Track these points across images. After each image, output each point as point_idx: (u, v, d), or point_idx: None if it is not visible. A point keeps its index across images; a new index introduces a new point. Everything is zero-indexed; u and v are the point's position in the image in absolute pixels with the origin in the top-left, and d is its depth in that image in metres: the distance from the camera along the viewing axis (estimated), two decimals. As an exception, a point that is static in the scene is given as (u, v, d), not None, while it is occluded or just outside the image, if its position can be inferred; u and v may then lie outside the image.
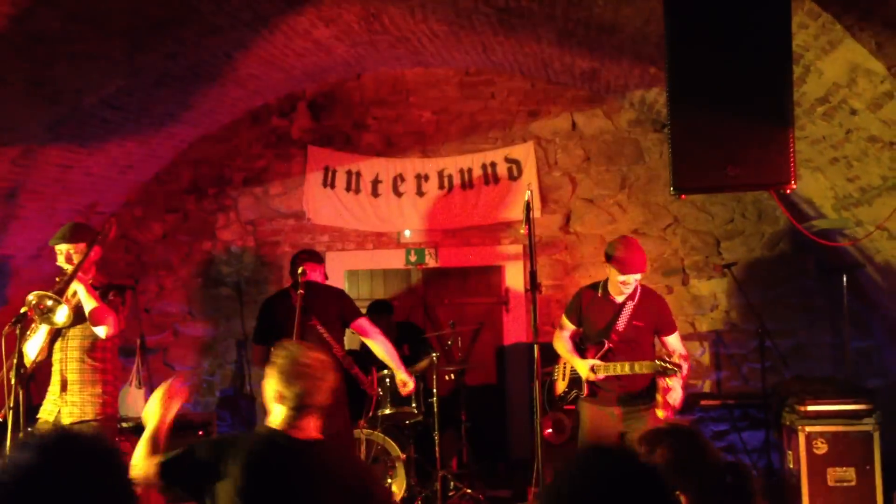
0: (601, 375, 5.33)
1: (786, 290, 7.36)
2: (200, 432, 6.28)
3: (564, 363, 5.77)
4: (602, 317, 5.46)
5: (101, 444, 1.78)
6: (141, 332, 7.48)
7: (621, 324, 5.36)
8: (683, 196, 3.91)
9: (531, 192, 4.77)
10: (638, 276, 5.26)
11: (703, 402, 7.32)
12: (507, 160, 7.69)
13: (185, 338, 8.12)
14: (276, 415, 3.08)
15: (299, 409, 3.05)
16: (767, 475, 6.77)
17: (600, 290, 5.51)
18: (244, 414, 7.95)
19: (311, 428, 3.08)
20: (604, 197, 7.66)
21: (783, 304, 7.34)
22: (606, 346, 5.38)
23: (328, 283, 6.10)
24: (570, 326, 5.65)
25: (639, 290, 5.42)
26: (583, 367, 5.37)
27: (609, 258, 5.27)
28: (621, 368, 5.26)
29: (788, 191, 3.77)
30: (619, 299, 5.37)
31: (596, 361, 5.32)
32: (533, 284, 4.51)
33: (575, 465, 1.82)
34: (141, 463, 3.03)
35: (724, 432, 7.36)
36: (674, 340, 5.50)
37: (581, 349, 5.57)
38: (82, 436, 1.77)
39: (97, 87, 5.97)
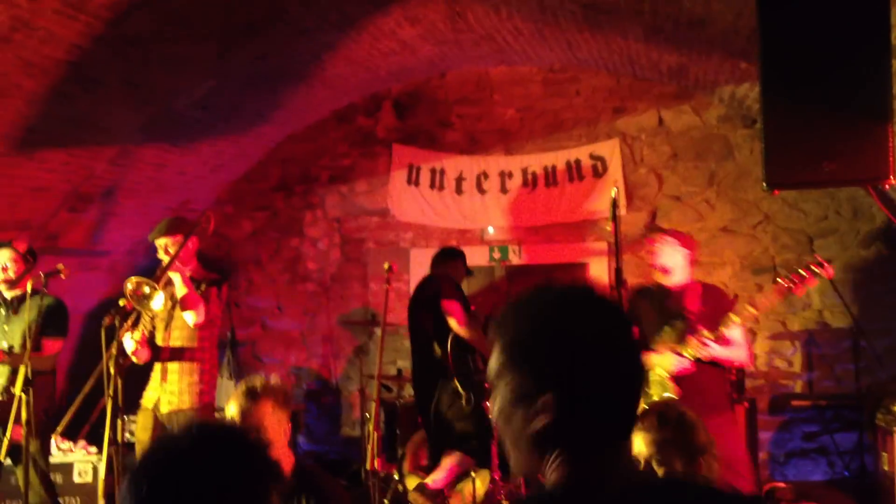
0: None
1: (881, 288, 7.12)
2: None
3: None
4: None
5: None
6: (231, 326, 7.67)
7: None
8: (776, 191, 3.82)
9: (617, 188, 4.71)
10: None
11: (793, 403, 7.14)
12: (592, 157, 7.63)
13: (274, 332, 8.29)
14: None
15: None
16: (860, 477, 6.58)
17: None
18: (329, 406, 8.09)
19: None
20: (691, 194, 7.53)
21: (879, 304, 7.10)
22: None
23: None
24: None
25: None
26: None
27: None
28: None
29: (887, 186, 3.66)
30: None
31: None
32: (618, 282, 4.46)
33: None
34: None
35: (815, 433, 7.17)
36: None
37: None
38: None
39: (189, 89, 6.14)
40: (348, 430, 8.06)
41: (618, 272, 4.47)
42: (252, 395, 3.33)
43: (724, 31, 5.60)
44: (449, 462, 6.01)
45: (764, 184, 3.74)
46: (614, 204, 4.62)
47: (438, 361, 6.06)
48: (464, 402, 5.91)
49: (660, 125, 7.59)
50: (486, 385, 6.00)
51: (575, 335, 1.44)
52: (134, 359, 4.99)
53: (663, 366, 5.08)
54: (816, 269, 4.53)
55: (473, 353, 6.11)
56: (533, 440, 1.43)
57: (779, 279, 4.72)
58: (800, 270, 4.56)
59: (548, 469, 1.44)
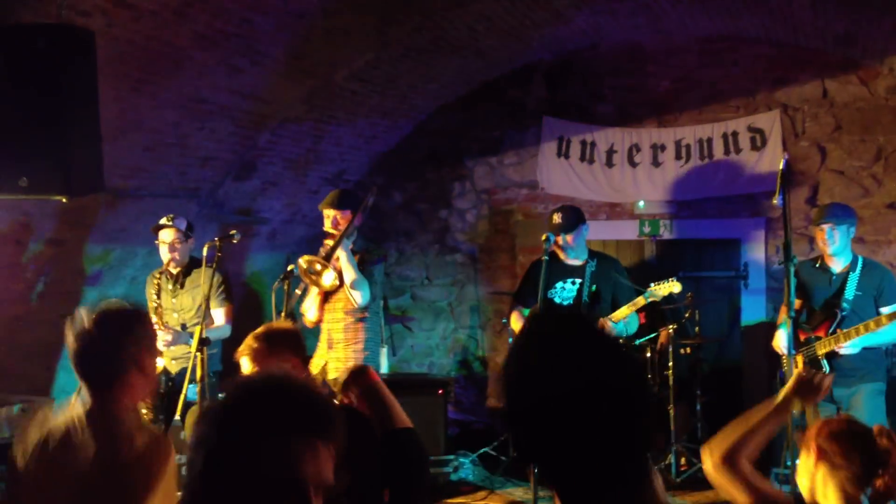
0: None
1: None
2: (440, 391, 6.54)
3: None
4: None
5: None
6: (384, 295, 7.84)
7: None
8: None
9: (786, 159, 4.55)
10: None
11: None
12: (750, 129, 7.38)
13: (423, 301, 8.44)
14: None
15: None
16: None
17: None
18: (477, 377, 8.19)
19: None
20: (856, 169, 7.18)
21: None
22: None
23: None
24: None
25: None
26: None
27: None
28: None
29: None
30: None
31: None
32: (787, 256, 4.32)
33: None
34: None
35: None
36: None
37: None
38: None
39: (348, 61, 6.29)
40: (494, 400, 8.13)
41: (787, 246, 4.32)
42: None
43: (902, -4, 5.32)
44: None
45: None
46: (782, 176, 4.46)
47: None
48: None
49: (824, 96, 7.26)
50: None
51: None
52: (307, 321, 5.19)
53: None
54: None
55: None
56: None
57: None
58: None
59: None
